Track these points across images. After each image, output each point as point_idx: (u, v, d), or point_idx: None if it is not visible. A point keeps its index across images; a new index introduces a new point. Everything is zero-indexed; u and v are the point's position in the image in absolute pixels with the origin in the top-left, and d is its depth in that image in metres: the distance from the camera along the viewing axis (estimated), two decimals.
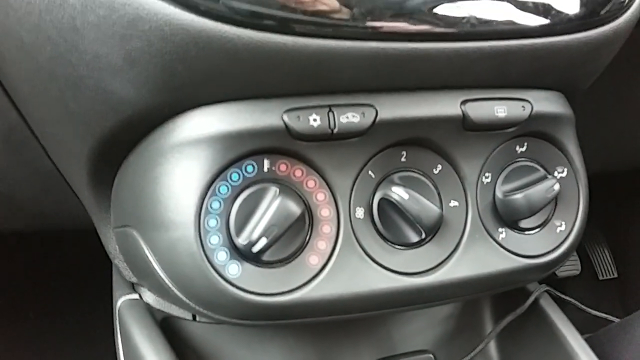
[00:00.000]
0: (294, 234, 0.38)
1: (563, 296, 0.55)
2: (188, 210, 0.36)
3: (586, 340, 0.51)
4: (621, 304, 0.98)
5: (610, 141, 0.76)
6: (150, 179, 0.38)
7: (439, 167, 0.42)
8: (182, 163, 0.37)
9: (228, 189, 0.37)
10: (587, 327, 0.56)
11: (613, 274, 0.99)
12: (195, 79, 0.35)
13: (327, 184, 0.39)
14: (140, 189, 0.40)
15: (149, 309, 0.50)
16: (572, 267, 0.96)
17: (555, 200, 0.45)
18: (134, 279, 0.51)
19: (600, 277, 1.01)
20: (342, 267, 0.39)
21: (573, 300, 0.55)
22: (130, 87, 0.36)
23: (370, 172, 0.40)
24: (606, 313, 0.57)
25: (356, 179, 0.40)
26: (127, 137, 0.40)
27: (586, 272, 0.99)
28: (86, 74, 0.36)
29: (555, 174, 0.45)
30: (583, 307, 0.55)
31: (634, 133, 0.77)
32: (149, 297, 0.51)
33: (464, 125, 0.41)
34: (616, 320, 0.55)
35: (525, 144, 0.44)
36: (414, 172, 0.41)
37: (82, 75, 0.36)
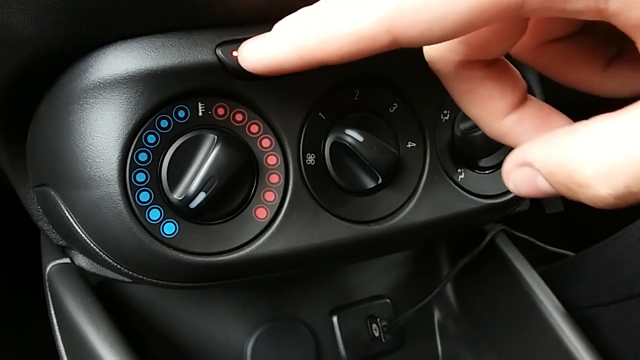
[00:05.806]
0: (237, 185, 0.34)
1: (519, 234, 0.54)
2: (110, 164, 0.31)
3: (540, 273, 0.51)
4: (567, 236, 1.01)
5: None
6: (63, 129, 0.33)
7: (395, 105, 0.39)
8: (99, 109, 0.32)
9: (157, 137, 0.32)
10: (539, 261, 0.56)
11: (560, 208, 1.01)
12: (106, 7, 0.30)
13: (273, 128, 0.35)
14: (53, 142, 0.34)
15: (82, 273, 0.45)
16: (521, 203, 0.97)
17: None
18: (63, 242, 0.46)
19: (548, 211, 1.03)
20: (294, 220, 0.35)
21: (530, 238, 0.54)
22: (28, 20, 0.30)
23: (320, 114, 0.36)
24: (553, 246, 0.57)
25: (305, 121, 0.36)
26: (32, 82, 0.34)
27: (533, 206, 1.00)
28: None
29: None
30: (540, 243, 0.54)
31: None
32: (82, 260, 0.46)
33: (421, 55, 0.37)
34: (571, 254, 0.56)
35: None
36: (368, 112, 0.38)
37: None
